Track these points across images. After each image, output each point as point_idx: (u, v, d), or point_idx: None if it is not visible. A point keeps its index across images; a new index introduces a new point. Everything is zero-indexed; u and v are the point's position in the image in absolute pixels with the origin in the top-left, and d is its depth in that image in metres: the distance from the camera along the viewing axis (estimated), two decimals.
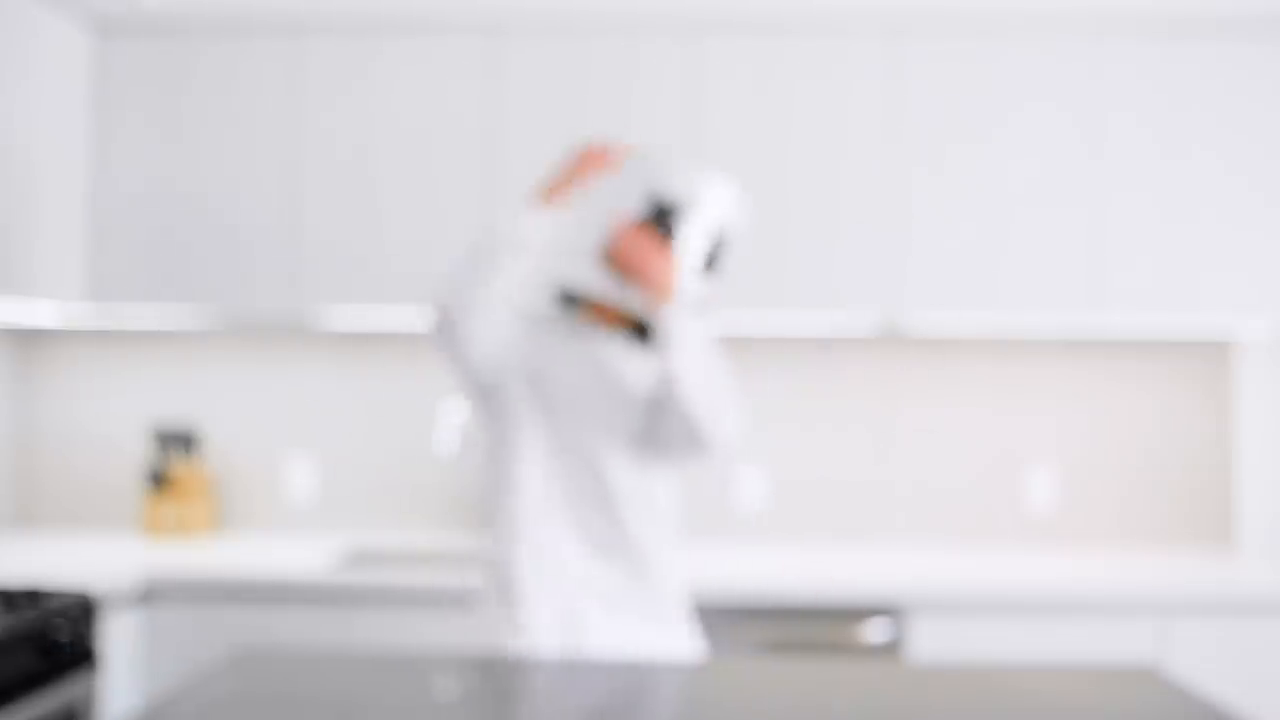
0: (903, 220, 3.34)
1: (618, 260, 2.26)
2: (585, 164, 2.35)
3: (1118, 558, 3.46)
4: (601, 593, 2.31)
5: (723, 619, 2.97)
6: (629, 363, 2.35)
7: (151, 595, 3.04)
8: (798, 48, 3.37)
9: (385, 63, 3.40)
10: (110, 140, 3.42)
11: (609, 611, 2.31)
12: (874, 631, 2.98)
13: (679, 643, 2.36)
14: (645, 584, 2.33)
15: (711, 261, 2.32)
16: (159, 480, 3.57)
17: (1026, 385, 3.69)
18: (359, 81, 3.40)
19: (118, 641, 2.88)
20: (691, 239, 2.28)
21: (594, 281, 2.30)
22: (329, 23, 3.39)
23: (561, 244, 2.34)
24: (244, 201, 3.40)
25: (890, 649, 2.99)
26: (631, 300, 2.27)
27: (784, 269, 3.36)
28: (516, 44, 3.39)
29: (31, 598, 2.58)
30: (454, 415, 3.54)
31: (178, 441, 3.61)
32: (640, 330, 2.32)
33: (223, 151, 3.41)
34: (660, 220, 2.26)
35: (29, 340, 3.74)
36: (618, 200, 2.32)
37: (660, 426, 2.29)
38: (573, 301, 2.34)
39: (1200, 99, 3.34)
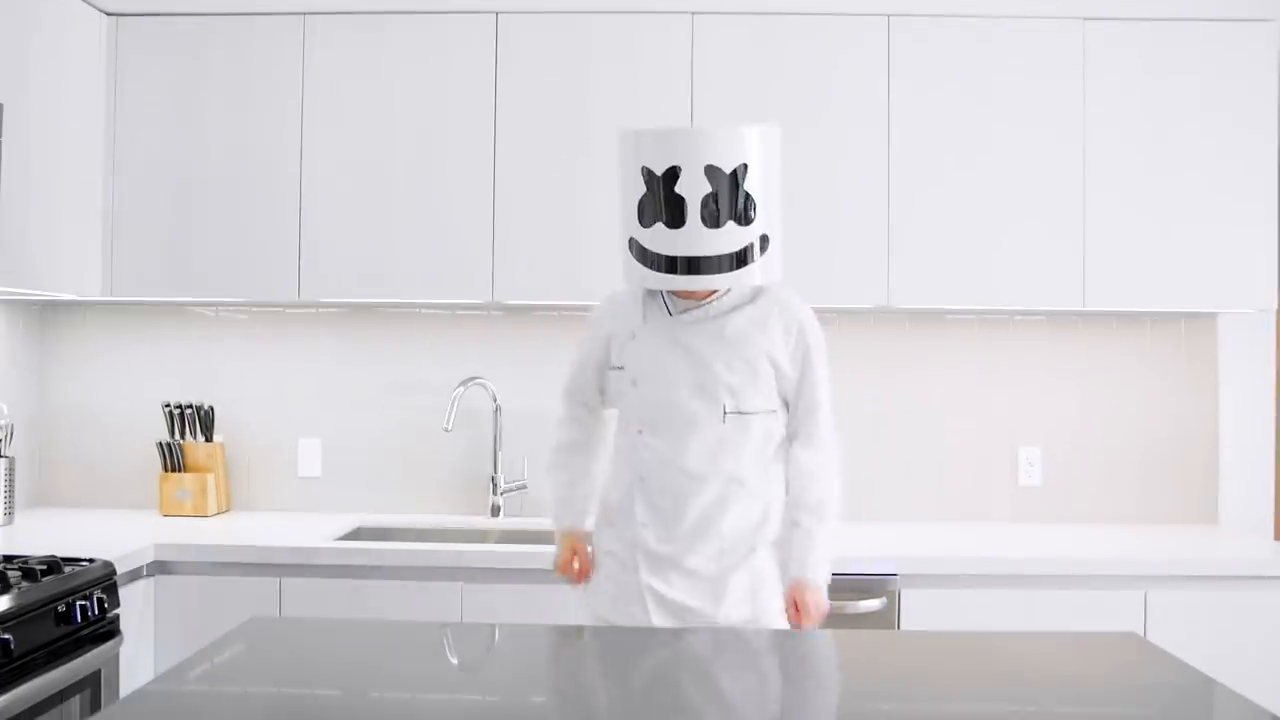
0: (893, 216, 3.42)
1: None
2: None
3: (1104, 531, 3.55)
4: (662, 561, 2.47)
5: None
6: (713, 339, 2.47)
7: (164, 568, 3.12)
8: (792, 29, 3.43)
9: (390, 44, 3.46)
10: (123, 126, 3.49)
11: (665, 583, 2.46)
12: (867, 603, 3.06)
13: (746, 613, 2.49)
14: (721, 560, 2.47)
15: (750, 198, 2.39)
16: (173, 460, 3.65)
17: (1016, 362, 3.77)
18: (364, 63, 3.46)
19: (132, 612, 2.96)
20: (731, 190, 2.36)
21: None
22: (335, 4, 3.46)
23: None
24: (251, 185, 3.47)
25: (884, 621, 3.07)
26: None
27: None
28: (518, 25, 3.45)
29: (54, 569, 2.65)
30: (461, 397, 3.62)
31: (192, 422, 3.69)
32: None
33: (230, 134, 3.48)
34: (668, 185, 2.35)
35: (46, 323, 3.81)
36: (627, 182, 2.43)
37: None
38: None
39: (1184, 80, 3.42)
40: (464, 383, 3.62)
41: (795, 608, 2.46)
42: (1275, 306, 3.43)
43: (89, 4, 3.41)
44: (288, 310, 3.82)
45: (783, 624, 2.51)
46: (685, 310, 2.47)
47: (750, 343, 2.47)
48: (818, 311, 3.67)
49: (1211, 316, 3.75)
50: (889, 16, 3.43)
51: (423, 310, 3.79)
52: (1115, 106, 3.42)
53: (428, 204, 3.45)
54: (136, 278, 3.49)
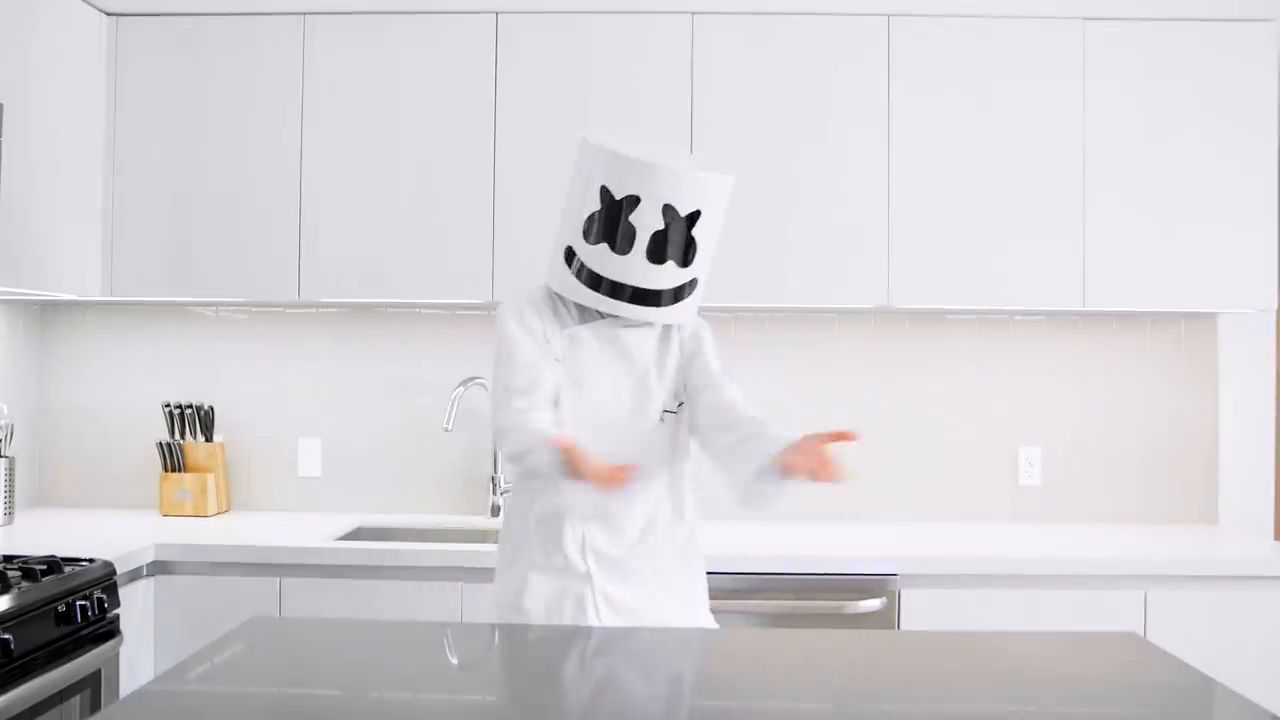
0: (893, 216, 3.42)
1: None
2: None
3: (1104, 531, 3.55)
4: (611, 566, 2.42)
5: (717, 593, 3.03)
6: (644, 342, 2.46)
7: (164, 568, 3.12)
8: (792, 29, 3.43)
9: (390, 44, 3.46)
10: (123, 126, 3.49)
11: (619, 585, 2.42)
12: (867, 603, 3.06)
13: (689, 612, 2.48)
14: (659, 560, 2.45)
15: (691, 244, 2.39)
16: (173, 460, 3.64)
17: (1016, 362, 3.77)
18: (364, 63, 3.46)
19: (132, 612, 2.96)
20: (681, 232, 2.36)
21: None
22: (335, 4, 3.46)
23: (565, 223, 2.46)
24: (251, 185, 3.47)
25: (884, 621, 3.07)
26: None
27: (780, 265, 3.43)
28: (518, 25, 3.45)
29: (54, 569, 2.64)
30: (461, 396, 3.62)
31: (192, 422, 3.68)
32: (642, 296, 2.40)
33: (230, 134, 3.48)
34: (623, 211, 2.34)
35: (46, 323, 3.81)
36: (581, 191, 2.42)
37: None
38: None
39: (1184, 80, 3.42)
40: (464, 383, 3.62)
41: (804, 460, 2.27)
42: (1275, 306, 3.43)
43: (89, 4, 3.41)
44: (288, 310, 3.82)
45: (712, 624, 2.52)
46: (617, 312, 2.44)
47: (669, 345, 2.49)
48: (818, 311, 3.73)
49: (1211, 316, 3.75)
50: (889, 16, 3.43)
51: (423, 310, 3.79)
52: (1115, 107, 3.42)
53: (428, 204, 3.45)
54: (136, 278, 3.49)
